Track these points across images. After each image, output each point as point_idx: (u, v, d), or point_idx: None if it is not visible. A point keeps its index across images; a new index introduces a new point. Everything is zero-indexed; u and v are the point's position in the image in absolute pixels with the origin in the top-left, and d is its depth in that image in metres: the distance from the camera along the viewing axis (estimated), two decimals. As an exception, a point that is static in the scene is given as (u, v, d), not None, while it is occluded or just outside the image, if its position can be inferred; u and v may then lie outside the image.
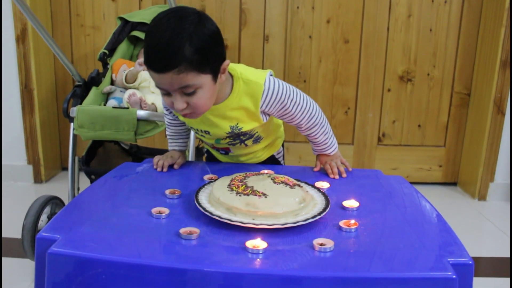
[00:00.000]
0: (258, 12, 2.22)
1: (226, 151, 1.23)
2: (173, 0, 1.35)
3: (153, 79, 0.95)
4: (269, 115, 1.11)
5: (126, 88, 1.76)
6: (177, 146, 1.26)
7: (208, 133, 1.13)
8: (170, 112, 1.23)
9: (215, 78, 0.97)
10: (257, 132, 1.15)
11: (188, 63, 0.90)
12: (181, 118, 1.14)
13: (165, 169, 1.16)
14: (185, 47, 0.89)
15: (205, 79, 0.94)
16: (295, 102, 1.09)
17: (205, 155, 1.42)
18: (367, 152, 2.40)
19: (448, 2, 2.21)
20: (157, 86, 0.96)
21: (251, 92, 1.05)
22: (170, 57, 0.89)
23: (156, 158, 1.19)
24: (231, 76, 1.06)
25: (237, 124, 1.09)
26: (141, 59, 1.76)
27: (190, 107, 0.97)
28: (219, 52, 0.97)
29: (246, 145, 1.18)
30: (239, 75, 1.06)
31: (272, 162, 1.31)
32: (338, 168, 1.18)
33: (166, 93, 0.96)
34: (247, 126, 1.10)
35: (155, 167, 1.17)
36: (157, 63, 0.91)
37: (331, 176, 1.16)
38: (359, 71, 2.29)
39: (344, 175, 1.17)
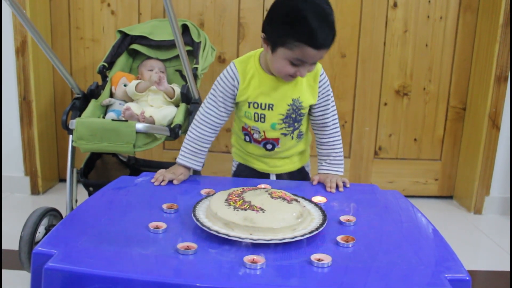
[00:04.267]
0: (256, 26, 2.24)
1: (273, 145, 1.29)
2: (173, 14, 1.36)
3: (298, 54, 1.08)
4: (318, 96, 1.26)
5: (126, 101, 1.77)
6: (189, 162, 1.24)
7: (271, 107, 1.23)
8: (210, 125, 1.26)
9: None
10: (302, 124, 1.29)
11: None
12: (251, 90, 1.22)
13: (163, 183, 1.16)
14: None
15: None
16: (332, 97, 1.29)
17: (233, 169, 1.42)
18: (364, 165, 2.41)
19: (444, 18, 2.25)
20: (297, 59, 1.09)
21: (312, 71, 1.21)
22: (333, 38, 1.08)
23: (158, 173, 1.19)
24: None
25: (299, 97, 1.23)
26: (157, 73, 1.75)
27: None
28: None
29: (292, 138, 1.29)
30: None
31: (302, 174, 1.40)
32: (336, 183, 1.19)
33: (297, 64, 1.11)
34: (306, 101, 1.24)
35: (153, 180, 1.17)
36: (325, 41, 1.07)
37: (328, 190, 1.17)
38: (355, 85, 2.31)
39: (341, 189, 1.18)
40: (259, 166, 1.35)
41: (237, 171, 1.40)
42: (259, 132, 1.27)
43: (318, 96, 1.25)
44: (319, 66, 1.24)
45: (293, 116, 1.25)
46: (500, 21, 2.08)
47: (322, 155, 1.32)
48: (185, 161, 1.24)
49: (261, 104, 1.23)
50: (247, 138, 1.31)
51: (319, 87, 1.24)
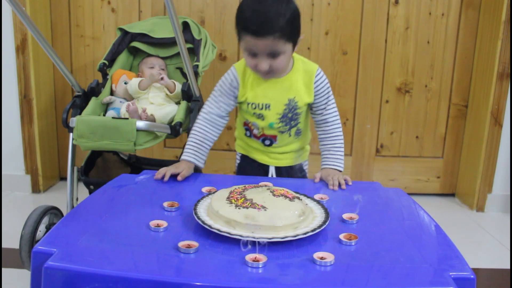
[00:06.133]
0: (257, 24, 2.23)
1: (271, 141, 1.35)
2: (173, 12, 1.35)
3: (245, 43, 1.14)
4: (316, 96, 1.30)
5: (127, 98, 1.76)
6: (192, 156, 1.27)
7: (269, 107, 1.28)
8: (214, 112, 1.32)
9: (293, 47, 1.19)
10: (300, 122, 1.33)
11: (282, 32, 1.11)
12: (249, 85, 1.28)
13: (165, 178, 1.16)
14: (282, 18, 1.09)
15: (288, 47, 1.16)
16: (332, 95, 1.33)
17: (237, 162, 1.48)
18: (365, 163, 2.40)
19: (445, 15, 2.23)
20: (247, 49, 1.15)
21: (307, 69, 1.29)
22: (270, 26, 1.09)
23: (160, 170, 1.20)
24: (292, 58, 1.28)
25: (295, 97, 1.28)
26: (157, 71, 1.76)
27: (271, 68, 1.17)
28: (299, 26, 1.18)
29: (289, 135, 1.34)
30: (298, 57, 1.31)
31: (300, 171, 1.44)
32: (339, 181, 1.19)
33: (252, 54, 1.16)
34: (301, 100, 1.28)
35: (156, 175, 1.17)
36: (258, 29, 1.10)
37: (331, 187, 1.16)
38: (357, 83, 2.30)
39: (344, 187, 1.17)
40: (260, 157, 1.40)
41: (241, 163, 1.45)
42: (258, 129, 1.33)
43: (316, 95, 1.29)
44: (314, 66, 1.29)
45: (290, 115, 1.30)
46: (503, 18, 2.06)
47: (324, 150, 1.35)
48: (189, 156, 1.26)
49: (259, 104, 1.28)
50: (248, 133, 1.38)
51: (315, 87, 1.28)
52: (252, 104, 1.29)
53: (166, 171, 1.18)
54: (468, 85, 2.32)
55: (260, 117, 1.30)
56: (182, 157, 1.27)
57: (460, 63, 2.29)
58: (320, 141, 1.36)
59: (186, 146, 1.29)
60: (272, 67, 1.17)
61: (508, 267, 1.74)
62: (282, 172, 1.40)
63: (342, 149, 1.34)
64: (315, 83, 1.28)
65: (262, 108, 1.28)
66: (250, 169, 1.42)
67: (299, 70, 1.28)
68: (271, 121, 1.30)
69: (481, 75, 2.23)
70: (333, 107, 1.33)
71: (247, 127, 1.36)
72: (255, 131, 1.35)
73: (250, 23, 1.10)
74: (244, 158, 1.44)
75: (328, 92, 1.31)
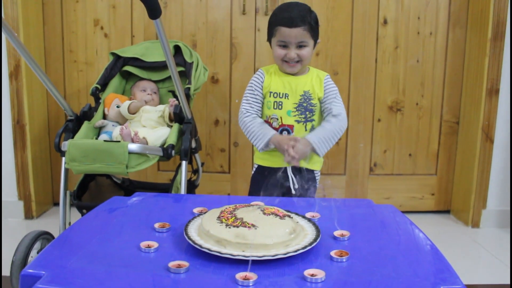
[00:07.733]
0: (248, 46, 2.26)
1: (288, 132, 1.53)
2: (164, 37, 1.38)
3: (278, 36, 1.45)
4: (325, 92, 1.54)
5: (119, 122, 1.77)
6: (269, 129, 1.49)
7: (287, 96, 1.52)
8: (252, 110, 1.55)
9: (314, 45, 1.51)
10: (315, 119, 1.54)
11: (309, 26, 1.44)
12: (274, 81, 1.54)
13: (296, 161, 1.39)
14: (308, 16, 1.45)
15: (311, 42, 1.48)
16: (339, 96, 1.56)
17: (252, 172, 1.64)
18: (360, 182, 2.40)
19: (433, 34, 2.28)
20: (279, 41, 1.46)
21: (320, 73, 1.57)
22: (301, 18, 1.43)
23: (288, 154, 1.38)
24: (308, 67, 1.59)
25: (309, 90, 1.52)
26: (149, 94, 1.80)
27: (298, 57, 1.47)
28: (318, 31, 1.50)
29: (305, 129, 1.53)
30: (313, 67, 1.60)
31: (311, 177, 1.58)
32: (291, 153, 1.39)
33: (283, 46, 1.46)
34: (314, 93, 1.53)
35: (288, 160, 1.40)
36: (291, 21, 1.42)
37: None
38: (349, 102, 2.32)
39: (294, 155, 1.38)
40: (275, 162, 1.54)
41: (255, 172, 1.62)
42: (277, 119, 1.53)
43: (325, 92, 1.54)
44: (325, 73, 1.58)
45: (305, 104, 1.51)
46: (489, 35, 2.11)
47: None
48: (268, 130, 1.48)
49: (279, 93, 1.52)
50: None
51: (325, 85, 1.55)
52: (274, 93, 1.53)
53: (288, 154, 1.38)
54: (458, 102, 2.35)
55: (279, 105, 1.51)
56: (265, 139, 1.45)
57: (450, 80, 2.32)
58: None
59: (255, 133, 1.48)
60: (299, 56, 1.46)
61: (507, 282, 1.73)
62: (296, 173, 1.53)
63: (330, 133, 1.47)
64: (324, 82, 1.55)
65: (282, 97, 1.52)
66: (265, 175, 1.56)
67: (313, 73, 1.57)
68: (288, 109, 1.51)
69: (470, 92, 2.26)
70: (340, 103, 1.54)
71: (268, 123, 1.55)
72: (274, 124, 1.53)
73: (285, 17, 1.43)
74: (259, 168, 1.60)
75: (336, 92, 1.55)
